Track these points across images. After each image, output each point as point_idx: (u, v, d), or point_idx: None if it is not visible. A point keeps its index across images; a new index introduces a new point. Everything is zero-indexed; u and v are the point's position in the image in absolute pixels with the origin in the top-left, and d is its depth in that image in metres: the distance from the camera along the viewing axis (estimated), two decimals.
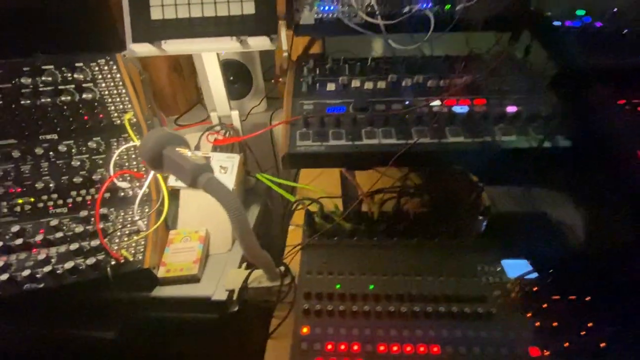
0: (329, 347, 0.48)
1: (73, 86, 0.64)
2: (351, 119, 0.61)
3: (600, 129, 0.60)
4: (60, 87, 0.64)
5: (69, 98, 0.63)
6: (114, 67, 0.64)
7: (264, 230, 0.92)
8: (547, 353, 0.47)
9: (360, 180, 0.83)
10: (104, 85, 0.65)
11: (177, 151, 0.48)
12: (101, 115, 0.67)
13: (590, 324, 0.50)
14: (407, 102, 0.64)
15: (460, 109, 0.62)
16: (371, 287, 0.55)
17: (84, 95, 0.64)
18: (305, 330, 0.50)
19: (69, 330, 0.61)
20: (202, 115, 1.16)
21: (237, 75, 1.07)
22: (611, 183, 0.57)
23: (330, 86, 0.68)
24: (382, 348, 0.48)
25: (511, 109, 0.62)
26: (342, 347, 0.48)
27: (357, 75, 0.71)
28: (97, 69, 0.64)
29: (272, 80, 0.86)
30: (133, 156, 0.68)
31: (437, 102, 0.63)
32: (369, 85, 0.67)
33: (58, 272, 0.57)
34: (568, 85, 0.67)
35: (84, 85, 0.64)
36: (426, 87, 0.67)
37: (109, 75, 0.65)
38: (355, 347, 0.48)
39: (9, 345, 0.60)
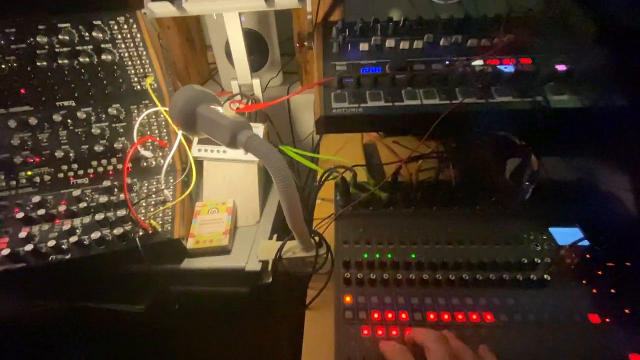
0: (376, 316, 0.46)
1: (91, 47, 0.60)
2: (390, 79, 0.57)
3: None
4: (78, 47, 0.59)
5: (87, 60, 0.59)
6: (134, 26, 0.60)
7: None
8: (608, 320, 0.44)
9: (384, 155, 0.80)
10: (123, 46, 0.61)
11: (212, 109, 0.44)
12: (121, 80, 0.63)
13: None
14: (447, 62, 0.60)
15: (506, 68, 0.58)
16: (413, 256, 0.53)
17: (103, 57, 0.60)
18: (348, 299, 0.48)
19: (97, 303, 0.59)
20: (215, 91, 1.12)
21: (253, 47, 1.02)
22: None
23: (364, 47, 0.64)
24: (432, 317, 0.45)
25: (561, 67, 0.57)
26: (390, 315, 0.46)
27: (391, 36, 0.66)
28: (116, 28, 0.60)
29: (297, 45, 0.82)
30: (155, 124, 0.65)
31: (479, 62, 0.59)
32: (405, 45, 0.63)
33: (85, 243, 0.54)
34: (615, 43, 0.62)
35: (102, 46, 0.60)
36: (466, 47, 0.63)
37: (128, 36, 0.60)
38: (404, 316, 0.45)
39: (36, 316, 0.59)
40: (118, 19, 0.59)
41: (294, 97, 1.01)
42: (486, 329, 0.44)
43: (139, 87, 0.64)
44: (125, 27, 0.60)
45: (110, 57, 0.60)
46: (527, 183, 0.57)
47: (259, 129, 0.73)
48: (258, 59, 1.04)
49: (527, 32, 0.63)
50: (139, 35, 0.60)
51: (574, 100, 0.54)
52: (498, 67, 0.58)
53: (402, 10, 0.92)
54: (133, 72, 0.62)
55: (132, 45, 0.61)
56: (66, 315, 0.60)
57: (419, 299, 0.47)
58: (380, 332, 0.44)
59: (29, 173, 0.62)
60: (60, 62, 0.58)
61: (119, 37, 0.60)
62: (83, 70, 0.60)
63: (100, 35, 0.59)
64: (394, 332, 0.44)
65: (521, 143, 0.57)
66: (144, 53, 0.61)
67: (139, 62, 0.62)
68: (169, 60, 1.04)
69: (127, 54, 0.61)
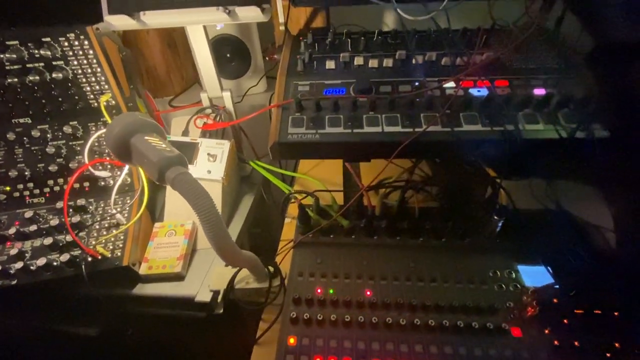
0: None
1: (42, 64, 0.58)
2: (351, 102, 0.53)
3: None
4: (28, 65, 0.57)
5: (37, 78, 0.57)
6: (86, 42, 0.57)
7: (258, 222, 0.87)
8: None
9: (365, 169, 0.76)
10: (76, 63, 0.58)
11: (146, 140, 0.41)
12: (76, 97, 0.61)
13: (617, 344, 0.43)
14: (416, 84, 0.56)
15: (479, 91, 0.54)
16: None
17: (55, 75, 0.58)
18: (292, 340, 0.46)
19: (50, 325, 0.58)
20: (200, 96, 1.10)
21: (233, 52, 0.98)
22: None
23: (330, 64, 0.60)
24: None
25: (539, 91, 0.53)
26: None
27: (361, 51, 0.62)
28: (66, 44, 0.57)
29: (267, 58, 0.78)
30: None
31: (451, 84, 0.55)
32: (373, 63, 0.59)
33: (32, 267, 0.53)
34: (608, 62, 0.57)
35: (54, 63, 0.58)
36: (440, 66, 0.59)
37: (80, 52, 0.58)
38: None
39: None
40: (68, 35, 0.56)
41: None
42: None
43: (95, 104, 0.61)
44: (76, 43, 0.57)
45: (61, 75, 0.58)
46: (495, 217, 0.53)
47: (224, 146, 0.70)
48: (239, 65, 1.01)
49: (509, 49, 0.58)
50: (91, 52, 0.58)
51: (548, 130, 0.49)
52: (470, 90, 0.54)
53: (390, 20, 0.88)
54: (89, 89, 0.60)
55: (84, 62, 0.58)
56: (21, 336, 0.60)
57: (365, 344, 0.45)
58: None
59: None
60: (10, 80, 0.56)
61: (70, 53, 0.58)
62: (35, 88, 0.58)
63: (49, 53, 0.56)
64: None
65: (489, 173, 0.53)
66: (99, 70, 0.59)
67: (93, 79, 0.59)
68: (149, 65, 1.02)
69: (80, 71, 0.59)
